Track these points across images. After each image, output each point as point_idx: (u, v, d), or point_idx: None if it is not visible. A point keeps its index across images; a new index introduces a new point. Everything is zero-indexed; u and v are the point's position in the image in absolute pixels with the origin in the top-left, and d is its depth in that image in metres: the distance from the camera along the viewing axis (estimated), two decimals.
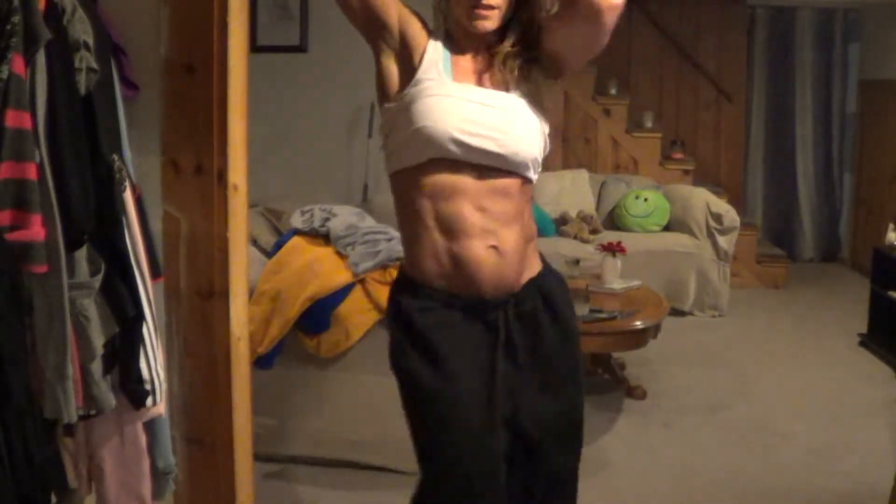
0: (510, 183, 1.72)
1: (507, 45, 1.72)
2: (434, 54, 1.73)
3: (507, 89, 1.73)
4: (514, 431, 1.80)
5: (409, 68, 1.73)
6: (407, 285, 1.79)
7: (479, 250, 1.71)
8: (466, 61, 1.76)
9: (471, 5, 1.67)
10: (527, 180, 1.76)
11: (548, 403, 1.82)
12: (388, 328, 1.86)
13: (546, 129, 1.78)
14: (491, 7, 1.68)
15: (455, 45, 1.77)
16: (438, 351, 1.73)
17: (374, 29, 1.74)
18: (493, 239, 1.71)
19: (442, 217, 1.70)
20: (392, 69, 1.75)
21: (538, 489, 1.85)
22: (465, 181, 1.69)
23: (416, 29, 1.75)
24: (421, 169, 1.69)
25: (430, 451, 1.79)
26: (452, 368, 1.73)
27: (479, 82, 1.75)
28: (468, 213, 1.69)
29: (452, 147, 1.66)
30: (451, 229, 1.70)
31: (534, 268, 1.82)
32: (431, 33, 1.77)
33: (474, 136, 1.66)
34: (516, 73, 1.73)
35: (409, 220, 1.75)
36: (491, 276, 1.73)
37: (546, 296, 1.81)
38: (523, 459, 1.83)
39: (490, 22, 1.69)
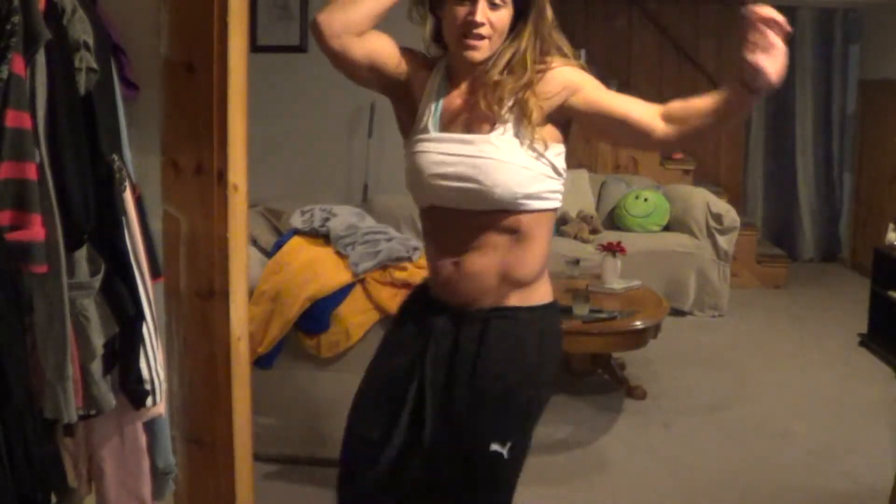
0: (501, 218, 1.74)
1: (493, 74, 1.72)
2: (428, 101, 1.79)
3: (492, 124, 1.73)
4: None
5: (412, 114, 1.82)
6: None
7: (445, 267, 1.79)
8: (459, 95, 1.79)
9: (461, 34, 1.70)
10: (530, 212, 1.75)
11: (447, 432, 1.79)
12: None
13: (552, 150, 1.75)
14: (481, 37, 1.69)
15: (453, 75, 1.80)
16: (389, 338, 1.93)
17: (389, 89, 1.83)
18: (459, 258, 1.77)
19: (429, 233, 1.86)
20: (403, 116, 1.85)
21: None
22: (453, 219, 1.77)
23: (418, 76, 1.81)
24: (426, 209, 1.84)
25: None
26: (388, 355, 1.89)
27: (467, 121, 1.76)
28: (447, 237, 1.79)
29: (435, 199, 1.77)
30: (432, 243, 1.84)
31: (501, 300, 1.78)
32: (433, 68, 1.81)
33: (448, 190, 1.73)
34: (504, 106, 1.72)
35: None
36: (443, 284, 1.81)
37: (484, 329, 1.77)
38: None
39: (480, 52, 1.71)
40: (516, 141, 1.72)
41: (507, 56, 1.72)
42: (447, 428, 1.78)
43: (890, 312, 4.67)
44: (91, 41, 1.66)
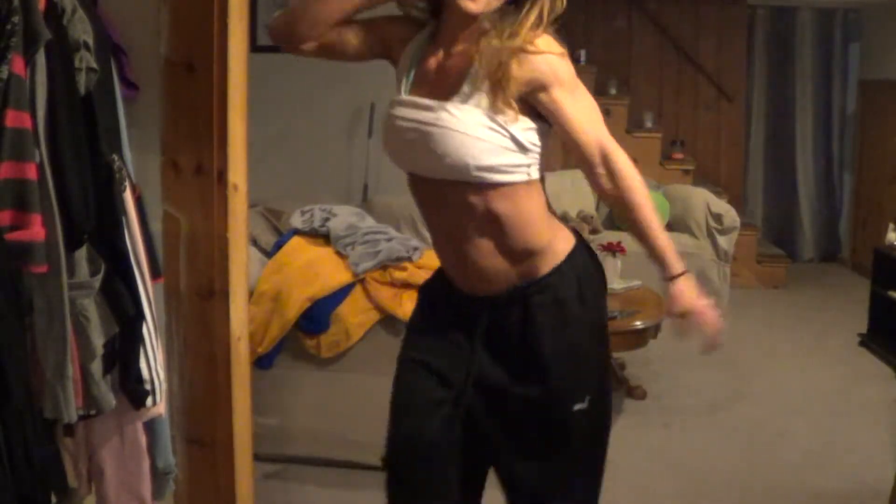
0: (470, 192, 1.66)
1: (492, 41, 1.62)
2: (405, 62, 1.75)
3: (456, 89, 1.66)
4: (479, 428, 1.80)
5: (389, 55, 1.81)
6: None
7: (445, 251, 1.79)
8: (436, 58, 1.71)
9: None
10: (496, 186, 1.66)
11: (500, 423, 1.79)
12: None
13: (517, 122, 1.65)
14: None
15: (437, 38, 1.72)
16: (417, 334, 1.87)
17: (378, 54, 1.81)
18: (455, 244, 1.74)
19: (423, 214, 1.83)
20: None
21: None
22: (427, 192, 1.75)
23: (400, 46, 1.77)
24: (407, 174, 1.79)
25: (389, 427, 1.93)
26: (419, 353, 1.83)
27: (434, 85, 1.69)
28: (431, 216, 1.79)
29: (405, 168, 1.76)
30: (430, 225, 1.82)
31: (529, 274, 1.74)
32: (419, 30, 1.76)
33: (405, 156, 1.72)
34: (483, 68, 1.63)
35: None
36: (460, 276, 1.78)
37: (528, 308, 1.73)
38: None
39: (475, 4, 1.61)
40: (476, 111, 1.63)
41: (506, 18, 1.63)
42: (524, 412, 1.77)
43: (890, 312, 4.67)
44: (91, 41, 1.66)
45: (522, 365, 1.75)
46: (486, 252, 1.71)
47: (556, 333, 1.74)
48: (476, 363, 1.77)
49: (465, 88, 1.65)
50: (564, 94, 1.66)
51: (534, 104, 1.67)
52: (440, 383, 1.80)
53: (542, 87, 1.65)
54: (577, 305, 1.75)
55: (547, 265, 1.73)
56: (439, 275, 1.86)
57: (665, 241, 1.72)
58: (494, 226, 1.69)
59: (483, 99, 1.64)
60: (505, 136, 1.64)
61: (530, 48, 1.63)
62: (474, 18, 1.65)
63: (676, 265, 1.72)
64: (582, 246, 1.81)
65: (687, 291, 1.72)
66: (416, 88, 1.72)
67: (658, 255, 1.71)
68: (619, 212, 1.75)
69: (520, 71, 1.62)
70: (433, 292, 1.89)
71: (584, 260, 1.80)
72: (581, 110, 1.68)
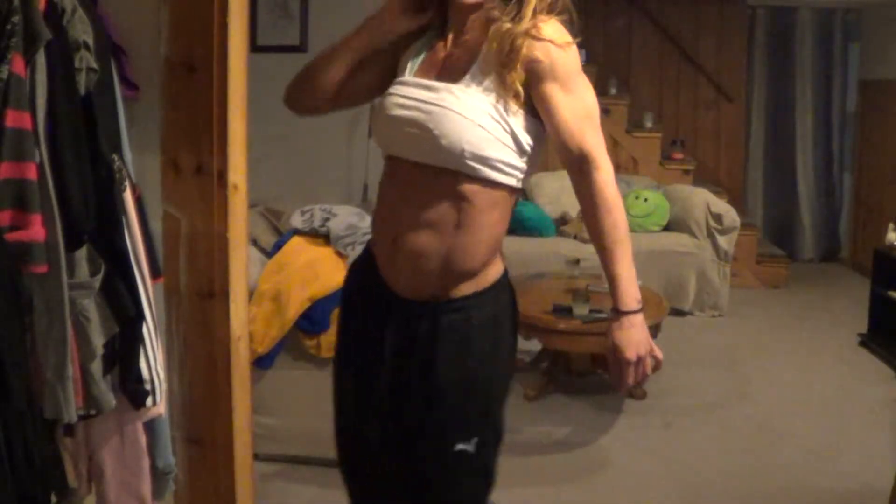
0: (446, 185, 1.61)
1: (503, 25, 1.60)
2: (412, 52, 1.74)
3: (462, 74, 1.63)
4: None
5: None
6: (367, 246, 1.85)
7: (381, 234, 1.73)
8: (443, 46, 1.71)
9: None
10: (481, 184, 1.61)
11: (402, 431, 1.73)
12: None
13: (521, 122, 1.63)
14: None
15: (446, 27, 1.72)
16: (346, 326, 1.84)
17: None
18: (396, 231, 1.66)
19: (382, 195, 1.75)
20: None
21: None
22: (401, 173, 1.68)
23: (404, 46, 1.77)
24: (386, 161, 1.75)
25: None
26: (349, 347, 1.82)
27: (441, 69, 1.68)
28: (390, 191, 1.71)
29: (384, 141, 1.72)
30: (380, 197, 1.75)
31: (449, 292, 1.66)
32: (422, 30, 1.76)
33: (399, 133, 1.65)
34: (479, 63, 1.63)
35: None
36: (385, 266, 1.71)
37: (437, 324, 1.65)
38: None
39: None
40: (481, 96, 1.60)
41: (510, 4, 1.62)
42: (407, 428, 1.70)
43: (890, 312, 4.67)
44: (91, 41, 1.66)
45: (417, 386, 1.68)
46: (426, 252, 1.63)
47: (457, 360, 1.66)
48: (384, 372, 1.72)
49: (473, 72, 1.62)
50: (556, 89, 1.60)
51: (531, 96, 1.63)
52: (360, 384, 1.79)
53: (538, 77, 1.60)
54: (487, 338, 1.68)
55: (470, 288, 1.66)
56: (367, 255, 1.80)
57: (624, 272, 1.62)
58: (449, 231, 1.62)
59: (490, 84, 1.60)
60: (506, 129, 1.60)
61: (535, 33, 1.59)
62: (475, 7, 1.65)
63: (628, 301, 1.62)
64: (507, 281, 1.74)
65: (634, 335, 1.62)
66: (422, 73, 1.69)
67: (612, 284, 1.62)
68: (586, 226, 1.68)
69: (523, 56, 1.59)
70: (358, 274, 1.84)
71: (505, 296, 1.73)
72: (571, 109, 1.61)
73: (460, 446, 1.66)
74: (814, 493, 3.13)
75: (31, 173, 1.52)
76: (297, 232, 3.41)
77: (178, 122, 1.97)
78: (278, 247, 3.41)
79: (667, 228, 5.82)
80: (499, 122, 1.60)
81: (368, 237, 3.22)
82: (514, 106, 1.60)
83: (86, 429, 1.85)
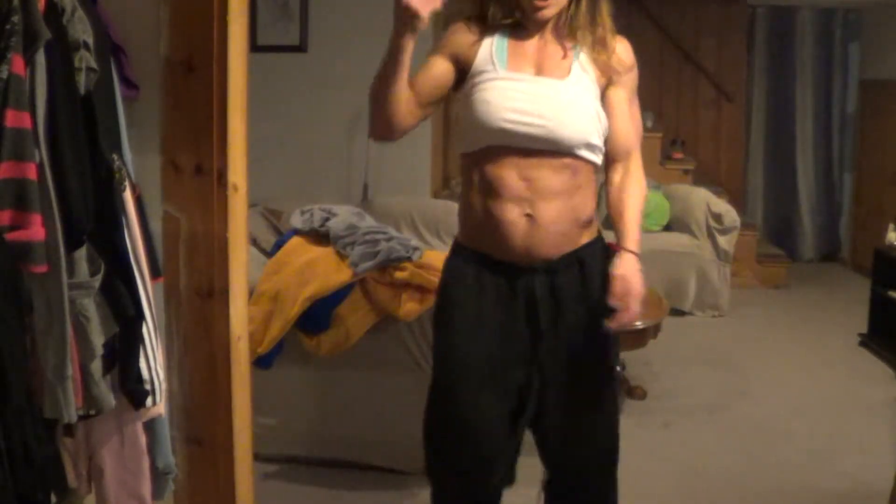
0: (560, 162, 1.84)
1: (575, 24, 1.89)
2: (488, 48, 1.87)
3: (566, 74, 1.87)
4: (534, 399, 1.95)
5: (466, 70, 1.92)
6: (453, 249, 2.01)
7: (512, 215, 1.85)
8: (529, 47, 1.88)
9: None
10: (583, 161, 1.87)
11: (566, 385, 1.95)
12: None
13: (600, 113, 1.90)
14: None
15: (521, 31, 1.89)
16: (459, 309, 1.94)
17: (460, 70, 1.93)
18: (529, 208, 1.84)
19: (485, 180, 1.87)
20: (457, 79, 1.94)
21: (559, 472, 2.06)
22: (515, 158, 1.84)
23: (465, 49, 1.90)
24: (480, 153, 1.88)
25: (435, 398, 2.01)
26: (466, 327, 1.93)
27: (539, 68, 1.88)
28: (510, 179, 1.84)
29: (501, 135, 1.83)
30: (490, 191, 1.87)
31: (577, 243, 1.92)
32: (487, 29, 1.89)
33: (519, 124, 1.81)
34: (579, 61, 1.88)
35: (464, 189, 1.96)
36: (521, 241, 1.87)
37: (582, 266, 1.91)
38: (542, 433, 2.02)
39: (550, 10, 1.84)
40: (588, 92, 1.86)
41: (584, 8, 1.89)
42: (572, 361, 1.92)
43: (890, 312, 4.67)
44: (91, 41, 1.66)
45: (579, 322, 1.92)
46: (560, 214, 1.86)
47: (602, 291, 1.90)
48: (538, 357, 1.92)
49: (575, 69, 1.87)
50: (626, 98, 1.93)
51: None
52: (500, 395, 1.94)
53: (617, 82, 1.92)
54: (605, 271, 1.94)
55: (591, 235, 1.96)
56: (465, 262, 1.95)
57: (637, 223, 1.91)
58: (573, 195, 1.87)
59: (590, 80, 1.88)
60: (602, 122, 1.88)
61: (620, 41, 1.94)
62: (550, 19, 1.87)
63: (637, 244, 1.89)
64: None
65: (639, 273, 1.85)
66: (515, 68, 1.87)
67: (629, 227, 1.90)
68: (619, 200, 1.95)
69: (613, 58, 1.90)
70: (465, 279, 1.94)
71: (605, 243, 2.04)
72: (633, 118, 1.95)
73: (615, 365, 2.02)
74: (814, 493, 3.13)
75: (31, 173, 1.52)
76: (296, 232, 3.41)
77: (178, 122, 1.97)
78: (278, 247, 3.41)
79: (667, 228, 5.82)
80: (599, 116, 1.87)
81: (369, 237, 3.26)
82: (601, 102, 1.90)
83: (86, 429, 1.85)
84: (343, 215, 3.41)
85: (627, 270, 1.84)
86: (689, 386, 4.24)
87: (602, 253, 1.97)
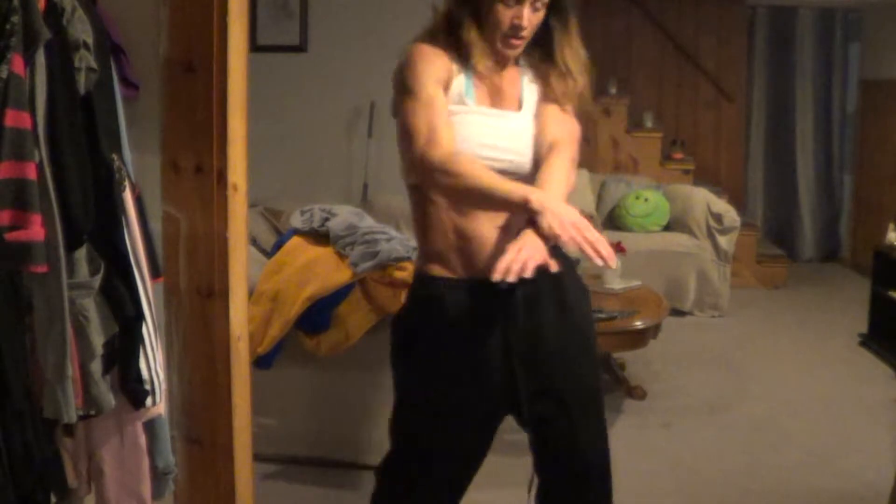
0: (519, 180, 1.82)
1: (531, 63, 1.93)
2: (460, 81, 1.88)
3: (518, 106, 1.91)
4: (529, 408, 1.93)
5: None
6: (417, 280, 1.96)
7: (485, 229, 1.84)
8: (486, 82, 1.90)
9: (504, 35, 1.83)
10: (531, 178, 1.85)
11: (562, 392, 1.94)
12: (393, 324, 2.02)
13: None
14: (523, 38, 1.85)
15: (479, 66, 1.88)
16: (431, 347, 1.92)
17: None
18: (501, 220, 1.84)
19: (451, 209, 1.86)
20: None
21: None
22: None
23: (447, 77, 1.87)
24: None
25: (406, 426, 2.00)
26: (445, 368, 1.90)
27: (493, 99, 1.91)
28: (478, 209, 1.85)
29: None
30: (461, 207, 1.85)
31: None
32: (457, 59, 1.88)
33: (490, 159, 1.82)
34: (526, 87, 1.92)
35: (423, 210, 1.90)
36: (496, 254, 1.78)
37: (555, 279, 1.85)
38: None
39: (518, 49, 1.87)
40: (532, 117, 1.91)
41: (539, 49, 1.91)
42: (552, 386, 1.91)
43: (890, 312, 4.67)
44: (91, 41, 1.66)
45: (554, 318, 1.91)
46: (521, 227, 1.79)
47: (581, 302, 1.97)
48: (509, 345, 1.88)
49: (524, 101, 1.92)
50: (559, 107, 1.93)
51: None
52: (475, 423, 1.94)
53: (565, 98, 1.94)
54: (580, 283, 2.01)
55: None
56: (433, 293, 1.90)
57: (552, 184, 1.80)
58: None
59: (532, 109, 1.92)
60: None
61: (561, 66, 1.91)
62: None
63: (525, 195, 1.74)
64: None
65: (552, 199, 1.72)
66: (480, 101, 1.90)
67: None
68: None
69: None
70: (432, 310, 1.91)
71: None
72: (556, 122, 1.92)
73: (595, 382, 2.00)
74: (814, 493, 3.13)
75: (31, 173, 1.52)
76: (296, 232, 3.41)
77: (178, 121, 1.97)
78: (278, 246, 3.41)
79: (667, 228, 5.82)
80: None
81: (368, 237, 3.26)
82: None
83: (86, 429, 1.85)
84: (343, 215, 3.41)
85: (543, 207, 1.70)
86: (689, 386, 4.24)
87: (569, 261, 1.97)
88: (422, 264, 1.94)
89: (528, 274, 1.62)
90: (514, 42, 1.84)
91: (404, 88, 1.82)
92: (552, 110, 1.92)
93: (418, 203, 1.92)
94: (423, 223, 1.92)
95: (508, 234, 1.80)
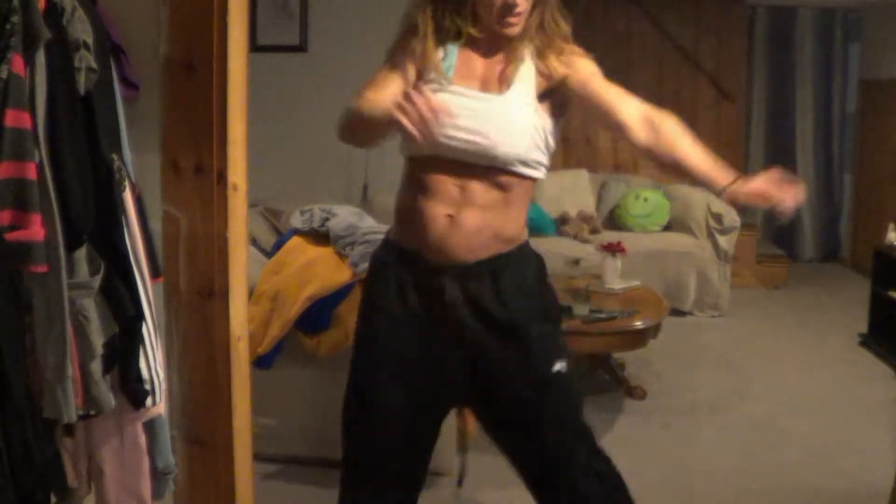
0: (493, 179, 1.86)
1: (523, 37, 1.87)
2: (436, 60, 1.87)
3: (507, 86, 1.87)
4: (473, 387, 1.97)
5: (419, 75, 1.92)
6: (381, 243, 2.02)
7: (435, 212, 1.86)
8: (477, 60, 1.89)
9: (501, 15, 1.82)
10: (518, 176, 1.88)
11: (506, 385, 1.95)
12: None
13: (548, 126, 1.90)
14: (518, 14, 1.83)
15: (474, 43, 1.89)
16: (379, 309, 1.96)
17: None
18: (454, 210, 1.85)
19: (422, 182, 1.88)
20: None
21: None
22: (452, 166, 1.86)
23: (417, 60, 1.89)
24: (422, 158, 1.89)
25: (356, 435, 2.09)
26: (385, 318, 1.94)
27: (483, 80, 1.88)
28: (444, 184, 1.86)
29: (440, 148, 1.83)
30: (425, 190, 1.87)
31: (493, 252, 1.90)
32: (439, 37, 1.88)
33: (457, 140, 1.82)
34: (520, 66, 1.88)
35: (402, 187, 1.96)
36: (437, 238, 1.86)
37: (495, 276, 1.89)
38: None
39: (517, 27, 1.85)
40: (525, 107, 1.85)
41: (535, 24, 1.87)
42: (504, 373, 1.92)
43: (890, 312, 4.67)
44: (91, 41, 1.66)
45: (500, 331, 1.90)
46: (482, 225, 1.86)
47: (526, 299, 1.92)
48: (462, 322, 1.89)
49: (517, 86, 1.86)
50: (594, 75, 1.92)
51: (565, 94, 1.90)
52: (425, 358, 1.93)
53: (572, 69, 1.90)
54: (537, 282, 1.97)
55: (513, 245, 1.93)
56: (387, 253, 1.97)
57: (702, 158, 2.03)
58: (499, 211, 1.87)
59: (530, 94, 1.86)
60: (541, 135, 1.87)
61: (561, 43, 1.90)
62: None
63: (722, 175, 1.97)
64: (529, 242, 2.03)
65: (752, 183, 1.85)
66: (461, 80, 1.87)
67: (699, 169, 2.04)
68: (660, 155, 2.02)
69: (554, 64, 1.89)
70: (384, 272, 1.96)
71: (535, 252, 2.01)
72: (610, 87, 1.94)
73: (558, 367, 1.93)
74: (814, 493, 3.13)
75: (31, 173, 1.52)
76: (296, 232, 3.41)
77: (178, 122, 1.97)
78: (278, 247, 3.41)
79: (667, 228, 5.82)
80: (538, 130, 1.87)
81: (369, 237, 3.26)
82: (545, 112, 1.88)
83: (86, 429, 1.85)
84: (343, 215, 3.41)
85: (747, 189, 1.86)
86: (689, 386, 4.24)
87: (525, 262, 1.96)
88: (390, 233, 2.00)
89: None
90: (511, 20, 1.83)
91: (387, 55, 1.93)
92: (596, 86, 1.91)
93: (402, 181, 1.97)
94: (398, 200, 1.97)
95: (453, 223, 1.84)
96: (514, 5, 1.80)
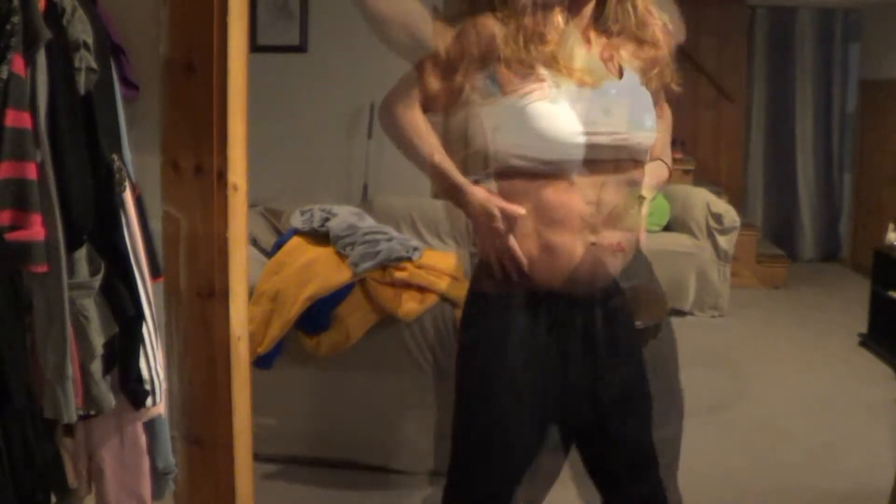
0: (626, 167, 1.64)
1: (624, 20, 1.66)
2: (515, 50, 1.64)
3: (619, 68, 1.67)
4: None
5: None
6: (486, 282, 1.69)
7: (574, 244, 1.60)
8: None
9: None
10: (642, 164, 1.71)
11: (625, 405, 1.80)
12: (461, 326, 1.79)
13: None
14: None
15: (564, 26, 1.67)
16: (502, 352, 1.68)
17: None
18: (593, 235, 1.60)
19: (542, 203, 1.58)
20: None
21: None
22: (585, 177, 1.59)
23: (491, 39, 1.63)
24: (535, 172, 1.59)
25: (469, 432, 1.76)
26: (514, 368, 1.68)
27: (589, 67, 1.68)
28: (573, 198, 1.58)
29: (558, 151, 1.58)
30: (549, 217, 1.59)
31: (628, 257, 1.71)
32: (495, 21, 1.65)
33: (596, 143, 1.58)
34: (633, 51, 1.69)
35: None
36: (584, 274, 1.62)
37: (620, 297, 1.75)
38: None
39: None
40: (642, 88, 1.66)
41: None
42: (619, 394, 1.77)
43: (890, 312, 4.67)
44: (91, 41, 1.66)
45: (625, 358, 1.79)
46: (623, 240, 1.64)
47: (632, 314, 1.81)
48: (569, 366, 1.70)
49: (629, 69, 1.65)
50: (664, 72, 1.74)
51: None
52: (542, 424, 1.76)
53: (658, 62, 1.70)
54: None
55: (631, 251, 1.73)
56: (510, 298, 1.67)
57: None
58: (630, 207, 1.66)
59: (638, 76, 1.65)
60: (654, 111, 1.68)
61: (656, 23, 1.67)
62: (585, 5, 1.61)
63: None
64: None
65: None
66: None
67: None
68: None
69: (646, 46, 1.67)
70: (510, 318, 1.68)
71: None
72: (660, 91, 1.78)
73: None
74: (814, 493, 3.13)
75: (31, 173, 1.52)
76: (296, 232, 3.42)
77: (178, 122, 1.97)
78: (278, 247, 3.41)
79: (667, 228, 5.82)
80: (652, 108, 1.68)
81: (369, 237, 3.26)
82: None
83: (86, 429, 1.84)
84: (343, 215, 3.42)
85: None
86: (689, 386, 4.23)
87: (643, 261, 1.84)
88: (490, 284, 1.69)
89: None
90: None
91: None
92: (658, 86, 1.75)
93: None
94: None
95: (601, 252, 1.64)
96: None
